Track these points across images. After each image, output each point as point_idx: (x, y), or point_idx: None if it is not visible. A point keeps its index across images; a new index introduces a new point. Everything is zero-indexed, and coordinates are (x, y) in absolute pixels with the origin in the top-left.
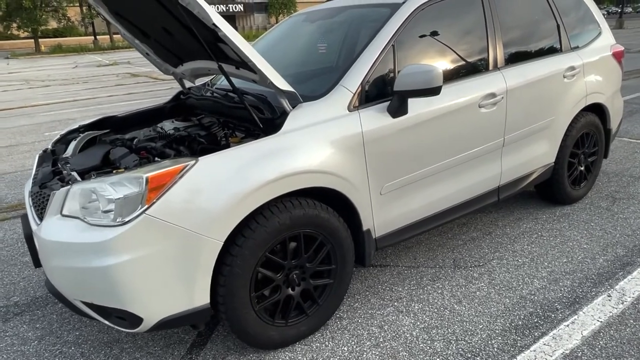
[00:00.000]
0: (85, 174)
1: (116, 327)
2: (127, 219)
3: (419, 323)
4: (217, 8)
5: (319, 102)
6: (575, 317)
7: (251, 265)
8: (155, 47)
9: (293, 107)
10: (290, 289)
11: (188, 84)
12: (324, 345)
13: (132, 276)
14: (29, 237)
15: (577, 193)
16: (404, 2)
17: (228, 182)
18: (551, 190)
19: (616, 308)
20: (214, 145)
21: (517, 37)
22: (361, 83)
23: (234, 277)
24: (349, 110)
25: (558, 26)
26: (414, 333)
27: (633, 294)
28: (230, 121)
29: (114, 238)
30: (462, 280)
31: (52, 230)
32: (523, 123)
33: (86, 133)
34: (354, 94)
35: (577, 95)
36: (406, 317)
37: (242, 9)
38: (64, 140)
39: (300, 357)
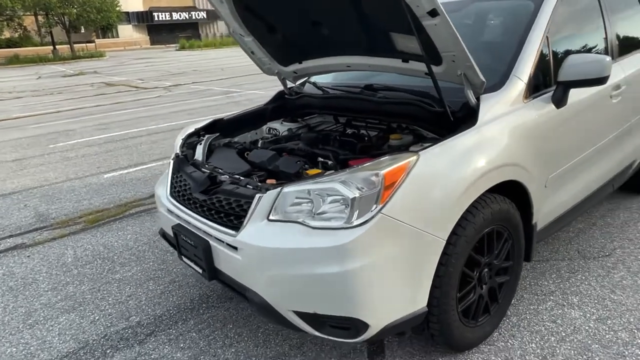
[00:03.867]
0: (245, 177)
1: (328, 337)
2: (362, 220)
3: (589, 315)
4: (180, 15)
5: (500, 94)
6: None
7: (460, 264)
8: (274, 44)
9: (477, 100)
10: (480, 287)
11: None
12: (509, 344)
13: (367, 280)
14: (206, 249)
15: None
16: None
17: (446, 177)
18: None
19: None
20: (362, 143)
21: None
22: (529, 74)
23: (449, 277)
24: (524, 101)
25: None
26: (591, 325)
27: None
28: (366, 120)
29: (352, 241)
30: (600, 270)
31: (265, 236)
32: None
33: (206, 137)
34: (526, 85)
35: None
36: (572, 310)
37: (205, 17)
38: (189, 145)
39: (493, 358)
